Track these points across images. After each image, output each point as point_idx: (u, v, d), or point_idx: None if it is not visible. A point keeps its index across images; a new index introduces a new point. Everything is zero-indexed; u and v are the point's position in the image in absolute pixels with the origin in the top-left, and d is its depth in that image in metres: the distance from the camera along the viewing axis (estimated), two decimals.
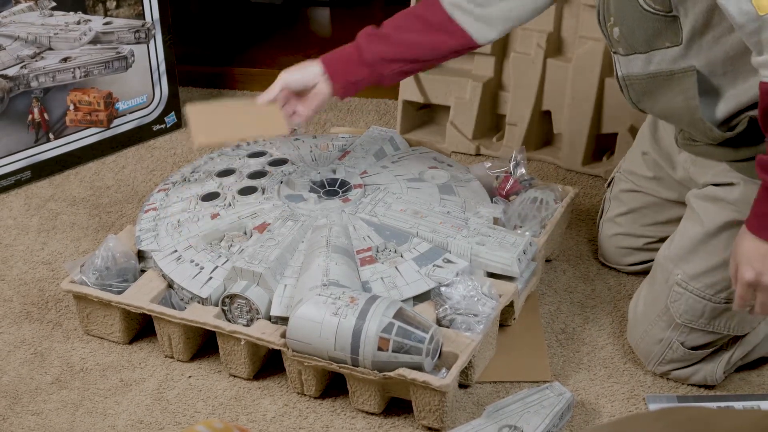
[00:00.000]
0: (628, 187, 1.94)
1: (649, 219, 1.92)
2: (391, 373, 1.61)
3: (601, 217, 2.01)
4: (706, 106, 1.61)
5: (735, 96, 1.59)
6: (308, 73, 1.83)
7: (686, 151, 1.74)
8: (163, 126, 2.46)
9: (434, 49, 1.80)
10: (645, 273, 1.96)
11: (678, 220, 1.77)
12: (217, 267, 1.79)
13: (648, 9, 1.57)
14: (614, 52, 1.69)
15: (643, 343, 1.75)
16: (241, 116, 1.91)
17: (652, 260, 1.92)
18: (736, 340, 1.72)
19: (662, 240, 1.84)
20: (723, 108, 1.61)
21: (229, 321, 1.75)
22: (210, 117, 1.91)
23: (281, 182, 1.95)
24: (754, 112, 1.56)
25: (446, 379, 1.60)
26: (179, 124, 2.49)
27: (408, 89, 2.40)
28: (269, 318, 1.73)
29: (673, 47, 1.59)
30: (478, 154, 2.37)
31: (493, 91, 2.36)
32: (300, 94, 1.85)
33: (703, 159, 1.71)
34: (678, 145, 1.76)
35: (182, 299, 1.80)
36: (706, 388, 1.73)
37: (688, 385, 1.74)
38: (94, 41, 2.30)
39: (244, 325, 1.73)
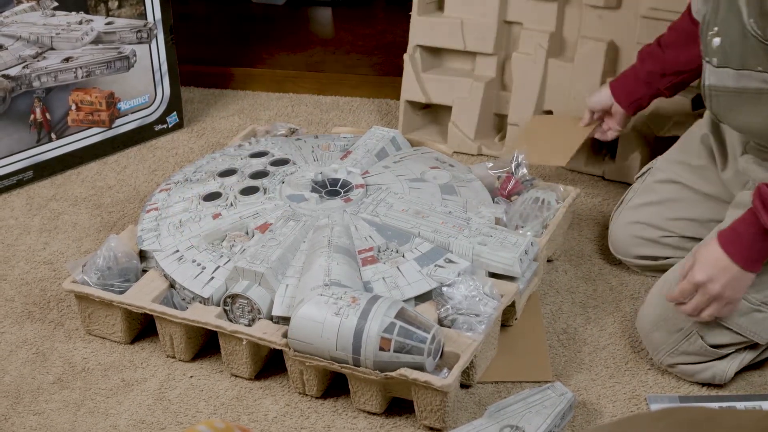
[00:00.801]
0: (664, 177, 1.93)
1: (677, 213, 1.90)
2: (393, 373, 1.61)
3: (619, 205, 2.00)
4: None
5: None
6: (603, 96, 2.06)
7: (753, 155, 1.74)
8: (164, 126, 2.47)
9: (696, 58, 1.80)
10: (647, 272, 1.97)
11: (708, 220, 1.79)
12: (218, 267, 1.79)
13: (751, 32, 1.56)
14: (707, 61, 1.67)
15: (657, 329, 1.73)
16: (558, 135, 2.14)
17: (660, 257, 1.92)
18: (751, 348, 1.72)
19: (681, 237, 1.87)
20: None
21: (231, 321, 1.75)
22: (540, 133, 2.13)
23: (283, 182, 1.95)
24: None
25: (448, 379, 1.60)
26: (181, 124, 2.49)
27: (410, 89, 2.40)
28: (271, 318, 1.73)
29: (764, 73, 1.58)
30: (479, 154, 2.38)
31: (494, 91, 2.36)
32: (609, 112, 2.08)
33: None
34: (746, 149, 1.75)
35: (184, 299, 1.80)
36: (709, 386, 1.73)
37: (691, 383, 1.74)
38: (96, 41, 2.30)
39: (245, 325, 1.73)
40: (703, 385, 1.74)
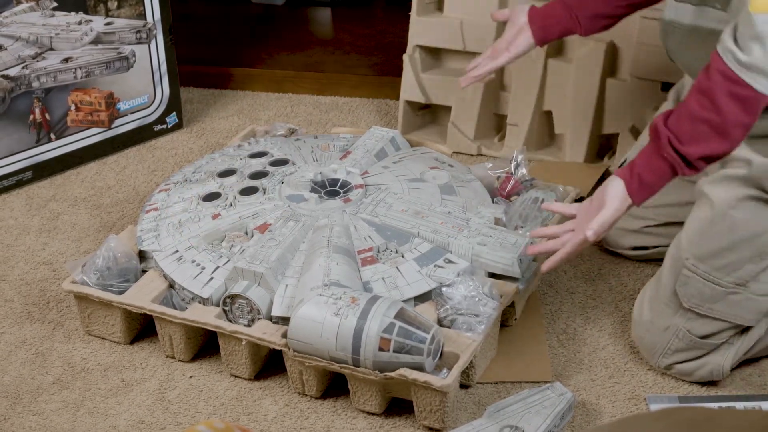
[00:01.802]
0: None
1: (654, 200, 1.90)
2: (392, 374, 1.61)
3: None
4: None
5: None
6: (516, 11, 1.92)
7: None
8: (164, 126, 2.47)
9: None
10: (645, 261, 1.97)
11: (686, 203, 1.78)
12: (218, 267, 1.79)
13: None
14: None
15: (648, 334, 1.74)
16: None
17: (650, 246, 1.93)
18: (740, 334, 1.72)
19: (663, 225, 1.89)
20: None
21: (230, 321, 1.75)
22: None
23: (282, 182, 1.95)
24: None
25: (447, 379, 1.60)
26: (180, 125, 2.49)
27: (409, 89, 2.40)
28: (270, 318, 1.73)
29: (721, 11, 1.62)
30: (479, 155, 2.37)
31: (494, 91, 2.36)
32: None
33: None
34: None
35: (183, 299, 1.80)
36: (708, 386, 1.73)
37: (691, 382, 1.74)
38: (96, 41, 2.30)
39: (245, 326, 1.73)
40: (703, 384, 1.74)
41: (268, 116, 2.55)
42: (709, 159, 1.56)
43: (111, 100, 2.35)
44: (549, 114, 2.33)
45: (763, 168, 1.62)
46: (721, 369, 1.72)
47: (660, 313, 1.72)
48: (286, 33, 2.89)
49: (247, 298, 1.72)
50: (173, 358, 1.81)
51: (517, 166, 2.01)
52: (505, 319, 1.81)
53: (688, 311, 1.69)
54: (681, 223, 1.74)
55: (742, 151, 1.64)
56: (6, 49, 2.19)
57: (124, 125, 2.40)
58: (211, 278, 1.78)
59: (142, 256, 1.88)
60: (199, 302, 1.78)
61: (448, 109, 2.39)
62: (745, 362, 1.78)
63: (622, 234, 1.97)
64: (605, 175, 2.25)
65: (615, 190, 1.60)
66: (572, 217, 1.67)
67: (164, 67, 2.41)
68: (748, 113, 1.52)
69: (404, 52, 2.39)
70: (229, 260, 1.80)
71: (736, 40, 1.50)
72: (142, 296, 1.79)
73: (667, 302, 1.71)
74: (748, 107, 1.51)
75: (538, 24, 1.89)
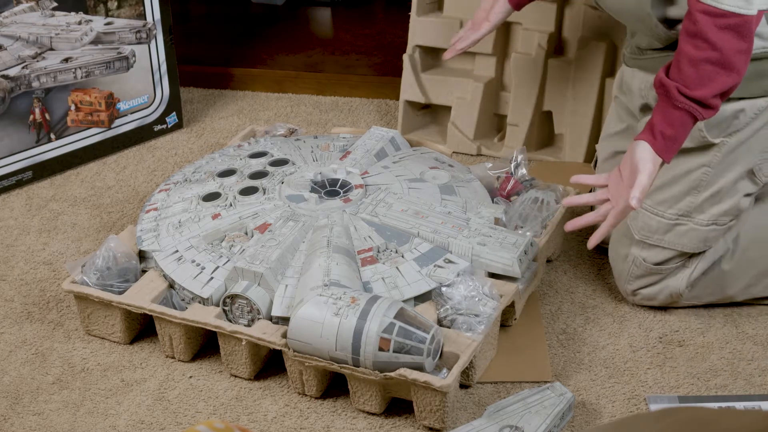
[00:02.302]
0: (606, 154, 1.99)
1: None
2: (392, 374, 1.61)
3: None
4: (658, 5, 1.70)
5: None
6: None
7: (633, 67, 1.84)
8: (164, 126, 2.47)
9: None
10: None
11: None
12: (218, 267, 1.79)
13: None
14: None
15: (615, 263, 1.88)
16: None
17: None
18: (695, 256, 1.82)
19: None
20: (675, 11, 1.70)
21: (230, 321, 1.75)
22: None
23: (282, 182, 1.95)
24: None
25: (447, 379, 1.60)
26: (180, 125, 2.49)
27: (409, 89, 2.40)
28: (270, 318, 1.73)
29: None
30: (479, 155, 2.38)
31: (494, 91, 2.36)
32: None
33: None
34: (625, 61, 1.87)
35: (183, 299, 1.80)
36: (709, 385, 1.73)
37: (690, 383, 1.74)
38: (96, 41, 2.30)
39: (245, 326, 1.73)
40: (700, 383, 1.74)
41: (268, 116, 2.55)
42: (723, 94, 1.61)
43: (111, 100, 2.35)
44: (549, 114, 2.33)
45: None
46: (678, 290, 1.83)
47: (620, 243, 1.86)
48: (286, 33, 2.89)
49: (247, 298, 1.72)
50: (173, 358, 1.81)
51: (517, 166, 2.01)
52: (505, 319, 1.81)
53: (641, 242, 1.82)
54: None
55: None
56: (6, 49, 2.20)
57: (124, 125, 2.40)
58: (211, 278, 1.78)
59: (142, 256, 1.88)
60: (199, 302, 1.78)
61: (448, 109, 2.39)
62: (746, 363, 1.78)
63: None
64: None
65: (643, 153, 1.63)
66: (603, 186, 1.70)
67: (164, 67, 2.41)
68: (743, 38, 1.57)
69: (404, 52, 2.39)
70: (229, 260, 1.80)
71: None
72: (142, 296, 1.79)
73: (624, 233, 1.85)
74: (741, 33, 1.56)
75: None
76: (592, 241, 1.70)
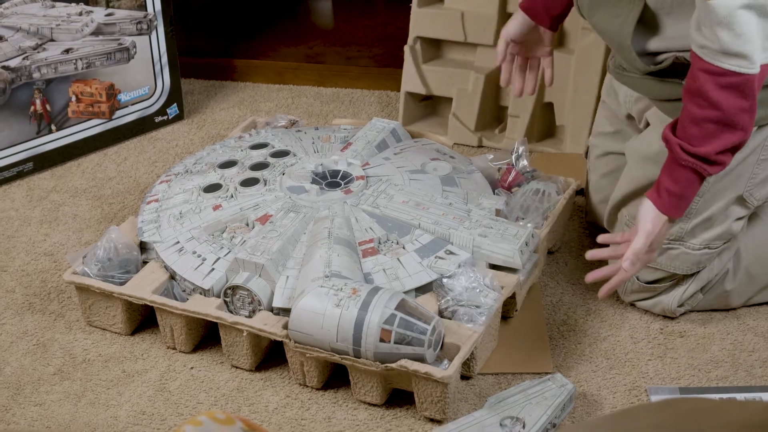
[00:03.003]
0: (600, 152, 1.98)
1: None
2: (393, 365, 1.61)
3: (587, 186, 2.04)
4: (641, 35, 1.67)
5: (673, 38, 1.65)
6: (519, 20, 1.88)
7: (616, 79, 1.83)
8: (165, 117, 2.46)
9: None
10: None
11: (651, 181, 1.81)
12: (219, 258, 1.79)
13: None
14: None
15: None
16: None
17: None
18: (689, 276, 1.82)
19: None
20: (656, 44, 1.68)
21: (231, 312, 1.75)
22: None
23: (283, 174, 1.95)
24: (684, 54, 1.63)
25: (448, 370, 1.60)
26: (181, 116, 2.49)
27: (410, 81, 2.39)
28: (271, 309, 1.73)
29: None
30: (480, 146, 2.37)
31: (495, 82, 2.36)
32: (525, 44, 1.91)
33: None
34: (609, 71, 1.86)
35: (184, 290, 1.80)
36: (710, 377, 1.74)
37: (692, 374, 1.74)
38: (96, 32, 2.30)
39: (246, 317, 1.74)
40: (704, 374, 1.74)
41: (269, 107, 2.55)
42: (733, 149, 1.58)
43: (112, 92, 2.35)
44: (550, 105, 2.33)
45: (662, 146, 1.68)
46: (670, 307, 1.83)
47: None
48: (287, 24, 2.89)
49: (248, 289, 1.72)
50: (174, 349, 1.81)
51: (518, 157, 2.01)
52: (506, 310, 1.81)
53: None
54: None
55: (656, 119, 1.75)
56: (6, 40, 2.19)
57: (125, 116, 2.40)
58: (212, 269, 1.78)
59: (143, 247, 1.88)
60: (200, 293, 1.78)
61: (449, 100, 2.39)
62: (747, 354, 1.78)
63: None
64: None
65: (645, 213, 1.63)
66: (621, 242, 1.69)
67: (165, 59, 2.40)
68: (746, 97, 1.52)
69: (405, 43, 2.39)
70: (230, 251, 1.80)
71: (703, 34, 1.51)
72: (143, 287, 1.79)
73: None
74: (743, 91, 1.52)
75: (539, 9, 1.88)
76: (603, 292, 1.68)
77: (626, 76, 1.78)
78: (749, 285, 1.84)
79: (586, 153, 2.04)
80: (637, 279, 1.82)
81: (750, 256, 1.83)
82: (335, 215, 1.83)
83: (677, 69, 1.65)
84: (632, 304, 1.88)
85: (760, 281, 1.84)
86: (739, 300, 1.86)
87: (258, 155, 2.03)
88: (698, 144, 1.55)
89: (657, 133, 1.71)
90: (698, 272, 1.81)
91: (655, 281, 1.82)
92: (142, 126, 2.43)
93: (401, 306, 1.62)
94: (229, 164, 2.01)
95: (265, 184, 1.93)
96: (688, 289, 1.82)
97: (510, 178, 1.99)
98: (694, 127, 1.55)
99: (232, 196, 1.91)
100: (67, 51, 2.27)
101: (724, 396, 1.69)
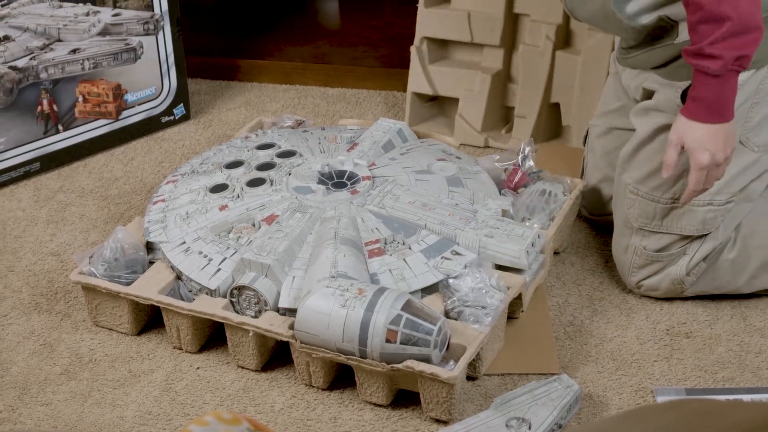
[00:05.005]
0: (601, 130, 2.01)
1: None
2: (399, 365, 1.61)
3: (582, 173, 2.07)
4: (621, 2, 1.74)
5: None
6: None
7: (622, 65, 1.89)
8: (171, 118, 2.47)
9: None
10: None
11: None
12: (225, 258, 1.79)
13: None
14: None
15: (617, 255, 1.91)
16: None
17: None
18: (695, 241, 1.83)
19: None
20: (633, 6, 1.74)
21: (238, 312, 1.75)
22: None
23: (289, 174, 1.95)
24: (664, 11, 1.73)
25: (454, 371, 1.60)
26: (188, 116, 2.49)
27: (416, 81, 2.39)
28: (277, 309, 1.73)
29: None
30: (486, 147, 2.37)
31: (501, 83, 2.36)
32: None
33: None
34: (618, 62, 1.91)
35: (191, 290, 1.81)
36: (716, 378, 1.73)
37: (697, 375, 1.74)
38: (103, 33, 2.30)
39: (252, 317, 1.74)
40: (707, 375, 1.74)
41: (276, 108, 2.55)
42: (722, 41, 1.61)
43: (119, 92, 2.35)
44: (556, 106, 2.33)
45: (664, 98, 1.78)
46: (679, 276, 1.85)
47: (621, 234, 1.90)
48: (294, 24, 2.89)
49: (254, 290, 1.73)
50: (180, 349, 1.81)
51: (525, 158, 2.01)
52: (512, 311, 1.81)
53: (640, 230, 1.85)
54: None
55: (654, 83, 1.80)
56: (14, 40, 2.20)
57: (131, 117, 2.40)
58: (219, 269, 1.78)
59: (150, 247, 1.88)
60: (207, 293, 1.78)
61: (455, 100, 2.39)
62: (754, 355, 1.78)
63: (610, 199, 2.01)
64: None
65: (682, 134, 1.69)
66: None
67: (172, 59, 2.41)
68: None
69: (411, 43, 2.39)
70: (236, 251, 1.80)
71: None
72: (150, 287, 1.79)
73: (624, 224, 1.88)
74: None
75: None
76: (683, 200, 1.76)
77: (630, 58, 1.83)
78: (750, 257, 1.85)
79: (585, 140, 2.06)
80: (645, 249, 1.85)
81: (750, 226, 1.86)
82: (341, 215, 1.83)
83: (665, 29, 1.74)
84: (638, 290, 1.89)
85: (760, 255, 1.85)
86: (742, 277, 1.86)
87: (264, 155, 2.03)
88: (695, 44, 1.62)
89: (657, 87, 1.80)
90: (704, 237, 1.83)
91: (662, 248, 1.84)
92: (149, 126, 2.44)
93: (407, 306, 1.62)
94: (235, 164, 2.01)
95: (272, 185, 1.93)
96: (695, 257, 1.84)
97: (516, 179, 1.99)
98: (692, 35, 1.62)
99: (238, 197, 1.91)
100: (74, 51, 2.27)
101: (731, 397, 1.69)
